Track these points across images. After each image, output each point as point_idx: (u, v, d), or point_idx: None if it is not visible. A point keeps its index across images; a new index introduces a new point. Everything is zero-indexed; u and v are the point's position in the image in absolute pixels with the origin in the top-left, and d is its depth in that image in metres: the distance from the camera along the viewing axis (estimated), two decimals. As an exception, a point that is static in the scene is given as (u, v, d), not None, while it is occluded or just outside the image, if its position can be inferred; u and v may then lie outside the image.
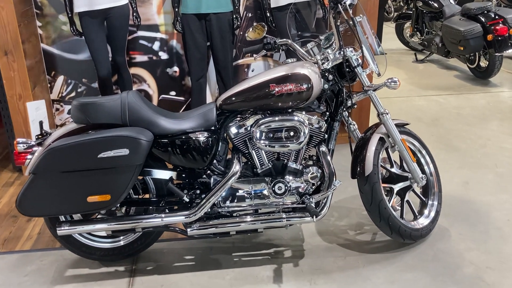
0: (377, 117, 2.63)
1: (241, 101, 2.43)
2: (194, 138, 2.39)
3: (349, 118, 2.71)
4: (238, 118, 2.52)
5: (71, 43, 3.91)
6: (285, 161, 2.54)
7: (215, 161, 2.51)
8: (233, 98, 2.44)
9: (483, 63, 6.00)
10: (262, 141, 2.42)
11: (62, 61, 3.95)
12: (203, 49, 3.77)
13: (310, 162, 2.64)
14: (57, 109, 4.08)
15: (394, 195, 2.69)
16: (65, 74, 4.00)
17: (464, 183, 3.43)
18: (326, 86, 2.55)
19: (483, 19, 5.71)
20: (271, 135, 2.43)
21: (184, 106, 4.26)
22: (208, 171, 2.51)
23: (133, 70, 4.08)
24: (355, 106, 2.64)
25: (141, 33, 4.01)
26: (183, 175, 2.48)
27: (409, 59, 7.28)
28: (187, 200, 2.44)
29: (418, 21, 7.22)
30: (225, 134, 2.52)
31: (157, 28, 4.02)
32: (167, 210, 2.44)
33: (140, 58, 4.07)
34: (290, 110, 2.50)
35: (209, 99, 4.23)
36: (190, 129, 2.40)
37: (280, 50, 2.66)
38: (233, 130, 2.47)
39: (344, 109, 2.61)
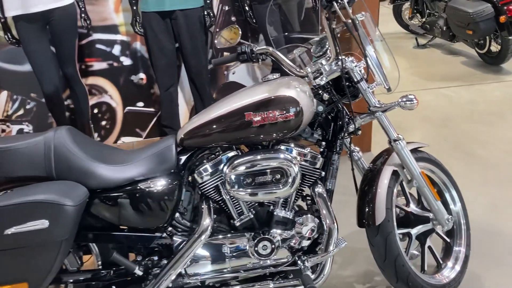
0: (388, 144, 2.02)
1: (208, 135, 1.82)
2: (146, 189, 1.78)
3: (351, 143, 2.09)
4: (207, 156, 1.90)
5: (13, 52, 3.24)
6: (271, 208, 1.93)
7: (177, 214, 1.90)
8: (198, 132, 1.82)
9: (494, 48, 5.36)
10: (238, 189, 1.81)
11: (3, 74, 3.29)
12: (171, 53, 3.13)
13: (304, 206, 2.04)
14: (3, 130, 3.44)
15: (412, 241, 2.10)
16: (9, 89, 3.35)
17: (493, 206, 2.84)
18: (320, 108, 1.93)
19: (494, -1, 5.06)
20: (250, 180, 1.81)
21: (155, 118, 3.63)
22: (170, 228, 1.90)
23: (91, 80, 3.44)
24: (359, 132, 2.03)
25: (97, 36, 3.35)
26: (134, 238, 1.86)
27: (409, 44, 6.63)
28: (140, 273, 1.83)
29: (418, 2, 6.56)
30: (189, 178, 1.91)
31: (116, 29, 3.37)
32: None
33: (98, 65, 3.42)
34: (274, 141, 1.89)
35: (182, 111, 3.59)
36: (141, 176, 1.79)
37: (260, 61, 2.03)
38: (200, 172, 1.85)
39: (345, 136, 2.00)
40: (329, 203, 1.92)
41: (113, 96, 3.52)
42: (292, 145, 1.90)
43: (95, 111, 3.52)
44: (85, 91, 3.17)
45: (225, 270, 1.90)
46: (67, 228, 1.59)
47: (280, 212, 1.92)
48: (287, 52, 2.19)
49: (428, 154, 2.19)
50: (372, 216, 1.93)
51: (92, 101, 3.48)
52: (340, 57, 1.87)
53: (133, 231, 1.84)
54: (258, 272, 1.93)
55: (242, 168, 1.81)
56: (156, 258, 1.89)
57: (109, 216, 1.79)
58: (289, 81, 1.88)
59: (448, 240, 2.22)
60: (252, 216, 1.92)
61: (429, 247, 2.16)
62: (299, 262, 1.89)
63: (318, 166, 1.91)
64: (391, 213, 1.96)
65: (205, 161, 1.88)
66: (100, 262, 1.89)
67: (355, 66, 1.91)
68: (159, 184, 1.80)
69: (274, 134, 1.81)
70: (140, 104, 3.59)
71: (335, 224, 1.90)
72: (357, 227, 2.00)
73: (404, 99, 1.92)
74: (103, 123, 3.57)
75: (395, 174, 2.03)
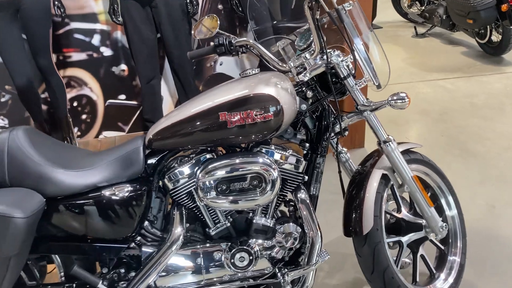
0: (378, 145, 1.85)
1: (179, 137, 1.65)
2: (109, 196, 1.62)
3: (338, 144, 1.93)
4: (178, 159, 1.74)
5: (-15, 41, 3.06)
6: (250, 215, 1.77)
7: (146, 223, 1.74)
8: (168, 133, 1.66)
9: (495, 38, 5.16)
10: (211, 196, 1.65)
11: (-25, 65, 3.11)
12: (152, 43, 2.95)
13: (287, 211, 1.88)
14: (-23, 125, 3.27)
15: (403, 250, 1.94)
16: (-18, 80, 3.17)
17: (490, 207, 2.69)
18: (303, 106, 1.76)
19: (495, -14, 4.85)
20: (225, 187, 1.65)
21: (138, 111, 3.45)
22: (139, 238, 1.74)
23: (70, 72, 3.26)
24: (347, 132, 1.86)
25: (75, 25, 3.17)
26: (98, 249, 1.70)
27: (408, 33, 6.42)
28: (104, 288, 1.68)
29: (417, -11, 6.34)
30: (160, 183, 1.75)
31: (95, 17, 3.18)
32: (75, 304, 1.69)
33: (77, 56, 3.24)
34: (253, 143, 1.73)
35: (166, 104, 3.42)
36: (104, 182, 1.63)
37: (239, 54, 1.86)
38: (171, 177, 1.69)
39: (331, 137, 1.83)
40: (312, 210, 1.76)
41: (93, 89, 3.35)
42: (273, 147, 1.73)
43: (75, 104, 3.34)
44: (61, 84, 2.99)
45: (199, 283, 1.75)
46: (16, 243, 1.43)
47: (259, 220, 1.76)
48: (270, 45, 2.02)
49: (422, 156, 2.02)
50: (359, 225, 1.77)
51: (71, 93, 3.30)
52: (325, 51, 1.70)
53: (98, 241, 1.69)
54: (235, 285, 1.77)
55: (216, 173, 1.64)
56: (123, 270, 1.73)
57: (69, 225, 1.63)
58: (269, 77, 1.71)
59: (443, 247, 2.06)
60: (229, 224, 1.76)
61: (422, 256, 2.00)
62: (279, 274, 1.74)
63: (300, 170, 1.75)
64: (380, 221, 1.80)
65: (176, 164, 1.71)
66: (63, 274, 1.74)
67: (342, 60, 1.73)
68: (125, 191, 1.64)
69: (252, 136, 1.65)
70: (122, 97, 3.42)
71: (319, 233, 1.74)
72: (345, 232, 1.84)
73: (395, 98, 1.75)
74: (84, 117, 3.40)
75: (385, 178, 1.87)
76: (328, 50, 1.74)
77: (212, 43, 1.83)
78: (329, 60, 1.70)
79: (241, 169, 1.65)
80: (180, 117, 1.66)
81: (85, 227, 1.64)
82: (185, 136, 1.65)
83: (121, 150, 1.69)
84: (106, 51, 3.27)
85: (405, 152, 1.95)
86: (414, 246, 1.98)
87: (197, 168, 1.68)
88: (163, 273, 1.72)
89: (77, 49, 3.22)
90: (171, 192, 1.70)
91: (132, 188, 1.65)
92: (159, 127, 1.68)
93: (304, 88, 1.78)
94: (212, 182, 1.64)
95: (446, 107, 4.09)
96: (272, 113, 1.62)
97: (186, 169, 1.68)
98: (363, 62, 1.78)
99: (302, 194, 1.77)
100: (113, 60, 3.30)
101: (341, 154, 1.96)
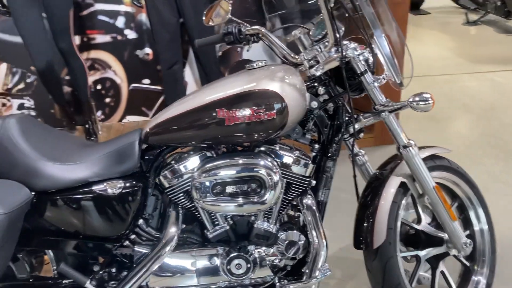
0: (397, 150, 1.67)
1: (175, 132, 1.53)
2: (100, 192, 1.53)
3: (354, 145, 1.75)
4: (176, 156, 1.63)
5: (11, 21, 3.05)
6: (252, 218, 1.64)
7: (141, 221, 1.64)
8: (165, 127, 1.54)
9: (555, 27, 4.74)
10: (206, 198, 1.53)
11: (2, 45, 3.11)
12: (173, 27, 2.84)
13: (293, 216, 1.73)
14: (4, 105, 3.29)
15: (421, 264, 1.76)
16: (8, 61, 3.18)
17: (529, 219, 2.43)
18: (314, 104, 1.60)
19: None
20: (220, 189, 1.53)
21: (162, 97, 3.37)
22: (133, 236, 1.65)
23: (94, 54, 3.21)
24: (362, 134, 1.68)
25: (99, 6, 3.11)
26: (90, 246, 1.63)
27: (459, 20, 6.02)
28: (91, 287, 1.60)
29: (471, -27, 5.91)
30: (156, 180, 1.64)
31: (119, -1, 3.10)
32: (63, 302, 1.63)
33: (101, 38, 3.18)
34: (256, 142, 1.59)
35: (191, 90, 3.32)
36: (95, 177, 1.54)
37: (250, 44, 1.71)
38: (167, 175, 1.58)
39: (345, 138, 1.67)
40: (319, 218, 1.61)
41: (117, 72, 3.29)
42: (278, 147, 1.59)
43: (98, 87, 3.30)
44: (82, 66, 2.94)
45: (193, 288, 1.65)
46: (-4, 238, 1.37)
47: (261, 224, 1.63)
48: (287, 34, 1.85)
49: (449, 162, 1.82)
50: (369, 237, 1.61)
51: (95, 76, 3.26)
52: (339, 44, 1.52)
53: (89, 238, 1.61)
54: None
55: (212, 174, 1.52)
56: (114, 270, 1.65)
57: (59, 221, 1.56)
58: (276, 70, 1.56)
59: (468, 264, 1.87)
60: (228, 227, 1.64)
61: (442, 273, 1.81)
62: (277, 285, 1.61)
63: (307, 173, 1.60)
64: (394, 233, 1.63)
65: (173, 161, 1.60)
66: (55, 269, 1.68)
67: (358, 54, 1.55)
68: (117, 187, 1.55)
69: (253, 135, 1.51)
70: (146, 81, 3.35)
71: (324, 244, 1.59)
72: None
73: (417, 99, 1.55)
74: (107, 100, 3.36)
75: (403, 186, 1.68)
76: (345, 42, 1.57)
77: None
78: (344, 53, 1.52)
79: (239, 171, 1.51)
80: (178, 111, 1.54)
81: (75, 223, 1.56)
82: (182, 132, 1.53)
83: (116, 143, 1.59)
84: (130, 34, 3.19)
85: (429, 158, 1.76)
86: (434, 261, 1.79)
87: (194, 166, 1.56)
88: (157, 274, 1.63)
89: (101, 31, 3.16)
90: (167, 190, 1.60)
91: (125, 185, 1.56)
92: (156, 120, 1.57)
93: (316, 84, 1.61)
94: (207, 183, 1.52)
95: (492, 102, 3.77)
96: (275, 111, 1.47)
97: (183, 167, 1.57)
98: (384, 57, 1.59)
99: (309, 200, 1.62)
100: (137, 43, 3.22)
101: (358, 157, 1.78)
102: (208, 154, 1.59)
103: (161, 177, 1.59)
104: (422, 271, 1.81)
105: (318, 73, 1.57)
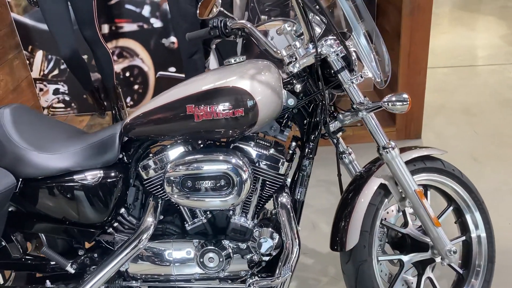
0: (377, 152, 1.60)
1: (151, 126, 1.57)
2: (81, 182, 1.61)
3: (339, 143, 1.70)
4: (156, 149, 1.67)
5: (45, 11, 3.21)
6: (230, 213, 1.66)
7: (123, 210, 1.71)
8: (141, 120, 1.58)
9: None
10: (177, 192, 1.56)
11: (38, 33, 3.30)
12: (192, 17, 2.86)
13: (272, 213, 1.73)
14: (41, 89, 3.49)
15: (405, 269, 1.70)
16: (44, 48, 3.36)
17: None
18: (291, 101, 1.57)
19: None
20: (190, 184, 1.55)
21: (188, 85, 3.42)
22: (116, 224, 1.72)
23: (122, 42, 3.32)
24: (340, 133, 1.64)
25: (126, -5, 3.19)
26: (75, 231, 1.72)
27: (520, 4, 5.59)
28: (72, 271, 1.69)
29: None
30: (136, 171, 1.69)
31: (145, -12, 3.17)
32: (48, 282, 1.73)
33: (129, 27, 3.28)
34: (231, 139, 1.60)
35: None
36: (77, 167, 1.62)
37: (237, 37, 1.70)
38: (144, 167, 1.63)
39: (323, 137, 1.63)
40: (293, 217, 1.59)
41: (144, 60, 3.38)
42: (252, 144, 1.58)
43: (127, 74, 3.42)
44: (108, 54, 3.05)
45: (169, 277, 1.70)
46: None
47: (238, 220, 1.65)
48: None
49: (444, 164, 1.72)
50: (342, 239, 1.57)
51: (124, 64, 3.38)
52: (314, 40, 1.47)
53: (73, 224, 1.70)
54: (206, 284, 1.69)
55: (182, 169, 1.55)
56: (96, 255, 1.73)
57: (44, 207, 1.66)
58: (251, 67, 1.55)
59: (461, 271, 1.78)
60: (205, 220, 1.67)
61: (430, 279, 1.74)
62: (248, 282, 1.61)
63: (282, 171, 1.58)
64: (370, 237, 1.58)
65: (151, 154, 1.65)
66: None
67: (335, 51, 1.50)
68: (97, 177, 1.62)
69: (222, 132, 1.51)
70: (172, 69, 3.42)
71: (297, 243, 1.57)
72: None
73: (394, 99, 1.47)
74: (136, 87, 3.47)
75: (384, 188, 1.62)
76: (325, 38, 1.52)
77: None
78: (318, 51, 1.48)
79: (208, 167, 1.53)
80: (155, 105, 1.57)
81: (59, 209, 1.66)
82: (157, 126, 1.56)
83: (99, 135, 1.66)
84: (156, 23, 3.26)
85: (420, 159, 1.68)
86: (420, 266, 1.72)
87: (169, 160, 1.59)
88: (136, 261, 1.69)
89: (128, 19, 3.25)
90: (145, 182, 1.65)
91: (105, 175, 1.62)
92: (135, 113, 1.61)
93: (294, 81, 1.59)
94: (178, 177, 1.55)
95: (537, 97, 3.50)
96: (242, 108, 1.46)
97: (159, 160, 1.61)
98: (364, 54, 1.53)
99: (284, 198, 1.60)
100: (163, 32, 3.29)
101: (344, 155, 1.74)
102: (185, 148, 1.62)
103: (139, 169, 1.64)
104: (411, 276, 1.75)
105: (295, 70, 1.54)
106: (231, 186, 1.52)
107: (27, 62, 3.38)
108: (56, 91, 3.47)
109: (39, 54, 3.37)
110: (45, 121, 1.79)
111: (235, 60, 1.59)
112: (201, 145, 1.65)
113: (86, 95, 3.40)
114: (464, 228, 1.80)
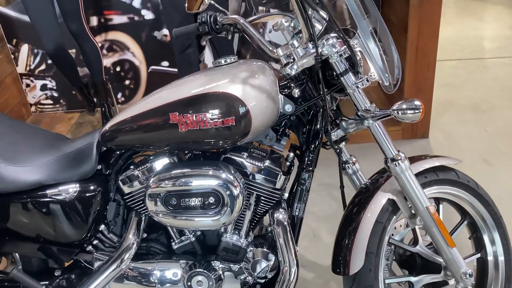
0: (384, 164, 1.43)
1: (130, 135, 1.40)
2: (54, 196, 1.45)
3: (342, 152, 1.54)
4: (138, 161, 1.50)
5: (29, 2, 3.02)
6: (220, 231, 1.50)
7: (102, 227, 1.54)
8: (119, 129, 1.41)
9: None
10: (159, 210, 1.40)
11: (23, 26, 3.11)
12: (185, 9, 2.66)
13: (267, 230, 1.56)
14: (28, 85, 3.32)
15: (415, 291, 1.54)
16: (29, 42, 3.18)
17: None
18: (288, 107, 1.40)
19: None
20: (174, 201, 1.39)
21: (182, 80, 3.24)
22: (95, 242, 1.56)
23: (111, 35, 3.14)
24: (343, 143, 1.47)
25: (115, -15, 3.00)
26: (51, 251, 1.55)
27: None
28: (46, 296, 1.54)
29: None
30: (116, 184, 1.53)
31: (135, -23, 2.98)
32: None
33: (118, 19, 3.10)
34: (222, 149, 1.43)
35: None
36: (51, 180, 1.45)
37: (229, 34, 1.52)
38: (125, 181, 1.47)
39: (325, 147, 1.46)
40: (290, 235, 1.42)
41: (135, 54, 3.20)
42: (245, 155, 1.41)
43: (117, 69, 3.24)
44: (95, 48, 2.87)
45: (153, 301, 1.54)
46: None
47: (230, 238, 1.48)
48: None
49: (458, 175, 1.55)
50: (345, 263, 1.40)
51: (114, 58, 3.20)
52: (314, 40, 1.30)
53: (49, 242, 1.54)
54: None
55: (166, 184, 1.38)
56: (73, 276, 1.57)
57: (16, 224, 1.49)
58: (243, 69, 1.37)
59: (476, 292, 1.62)
60: (194, 239, 1.51)
61: (442, 302, 1.58)
62: (241, 307, 1.46)
63: (278, 186, 1.42)
64: (376, 259, 1.42)
65: (132, 166, 1.48)
66: (20, 268, 1.63)
67: (336, 51, 1.32)
68: (72, 191, 1.46)
69: (211, 143, 1.34)
70: (165, 63, 3.24)
71: (295, 265, 1.41)
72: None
73: (404, 106, 1.29)
74: (127, 82, 3.29)
75: (393, 205, 1.45)
76: (327, 36, 1.34)
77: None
78: (319, 52, 1.30)
79: (195, 183, 1.36)
80: (135, 112, 1.40)
81: (32, 227, 1.49)
82: (136, 135, 1.39)
83: (75, 144, 1.49)
84: (148, 14, 3.08)
85: (432, 171, 1.51)
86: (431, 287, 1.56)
87: (152, 173, 1.43)
88: (118, 282, 1.54)
89: (118, 11, 3.07)
90: (125, 196, 1.49)
91: (81, 189, 1.46)
92: (114, 121, 1.44)
93: (292, 84, 1.41)
94: (161, 193, 1.38)
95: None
96: (233, 117, 1.29)
97: (141, 173, 1.45)
98: (370, 54, 1.35)
99: (280, 215, 1.43)
100: (155, 24, 3.11)
101: (348, 164, 1.57)
102: (170, 159, 1.45)
103: (119, 182, 1.48)
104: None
105: (292, 72, 1.36)
106: (221, 203, 1.35)
107: (12, 56, 3.20)
108: (43, 87, 3.30)
109: (25, 48, 3.19)
110: (21, 129, 1.63)
111: (225, 61, 1.42)
112: (189, 156, 1.49)
113: (75, 91, 3.22)
114: (479, 245, 1.64)
